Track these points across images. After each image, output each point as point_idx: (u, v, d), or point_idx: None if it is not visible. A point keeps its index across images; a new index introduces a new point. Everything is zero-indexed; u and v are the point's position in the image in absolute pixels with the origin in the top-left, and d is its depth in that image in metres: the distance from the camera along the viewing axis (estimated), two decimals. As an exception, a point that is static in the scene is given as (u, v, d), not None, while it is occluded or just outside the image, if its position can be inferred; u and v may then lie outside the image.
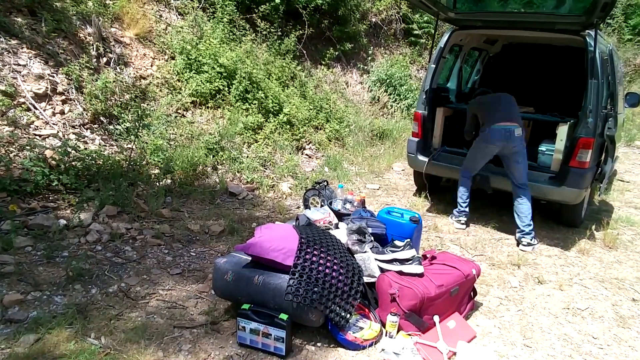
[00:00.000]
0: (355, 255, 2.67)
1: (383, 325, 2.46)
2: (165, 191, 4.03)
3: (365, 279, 2.60)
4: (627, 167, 6.89)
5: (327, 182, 4.18)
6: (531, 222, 3.78)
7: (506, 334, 2.62)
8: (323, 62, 7.54)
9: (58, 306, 2.47)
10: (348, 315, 2.35)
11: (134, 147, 4.23)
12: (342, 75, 8.07)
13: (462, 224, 4.14)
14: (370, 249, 2.70)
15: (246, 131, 5.30)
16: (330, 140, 6.32)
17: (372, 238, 2.84)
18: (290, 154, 5.45)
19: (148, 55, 5.31)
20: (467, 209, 4.13)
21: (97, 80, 4.37)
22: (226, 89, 5.52)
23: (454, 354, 2.31)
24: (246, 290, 2.37)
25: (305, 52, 7.27)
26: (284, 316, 2.21)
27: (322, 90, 7.05)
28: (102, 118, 4.36)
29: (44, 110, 3.97)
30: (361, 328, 2.38)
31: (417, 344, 2.32)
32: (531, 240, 3.78)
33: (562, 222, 4.33)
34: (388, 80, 8.26)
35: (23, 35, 4.13)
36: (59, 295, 2.57)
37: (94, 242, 3.15)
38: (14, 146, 3.53)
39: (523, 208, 3.79)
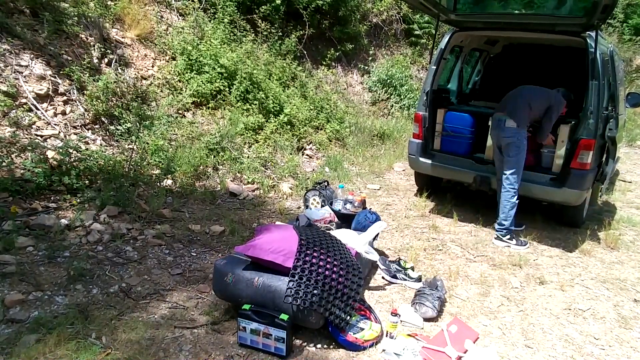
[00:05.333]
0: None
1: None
2: (166, 191, 4.04)
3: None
4: (629, 167, 6.87)
5: (328, 183, 4.18)
6: (508, 218, 3.76)
7: (507, 334, 2.61)
8: (324, 63, 7.54)
9: (59, 306, 2.48)
10: (348, 317, 2.35)
11: (135, 147, 4.23)
12: (343, 75, 8.07)
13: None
14: None
15: (247, 131, 5.30)
16: (330, 141, 6.32)
17: None
18: (290, 154, 5.45)
19: (149, 56, 5.32)
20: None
21: (98, 81, 4.37)
22: (227, 89, 5.52)
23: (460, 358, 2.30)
24: (246, 292, 2.37)
25: (305, 52, 7.27)
26: (284, 316, 2.21)
27: (323, 91, 7.05)
28: (103, 119, 4.37)
29: (46, 111, 3.97)
30: (362, 329, 2.38)
31: (425, 348, 2.30)
32: (504, 236, 3.81)
33: (564, 223, 4.32)
34: (389, 81, 8.26)
35: (25, 37, 4.14)
36: (60, 295, 2.58)
37: (95, 242, 3.15)
38: (15, 147, 3.53)
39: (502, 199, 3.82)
